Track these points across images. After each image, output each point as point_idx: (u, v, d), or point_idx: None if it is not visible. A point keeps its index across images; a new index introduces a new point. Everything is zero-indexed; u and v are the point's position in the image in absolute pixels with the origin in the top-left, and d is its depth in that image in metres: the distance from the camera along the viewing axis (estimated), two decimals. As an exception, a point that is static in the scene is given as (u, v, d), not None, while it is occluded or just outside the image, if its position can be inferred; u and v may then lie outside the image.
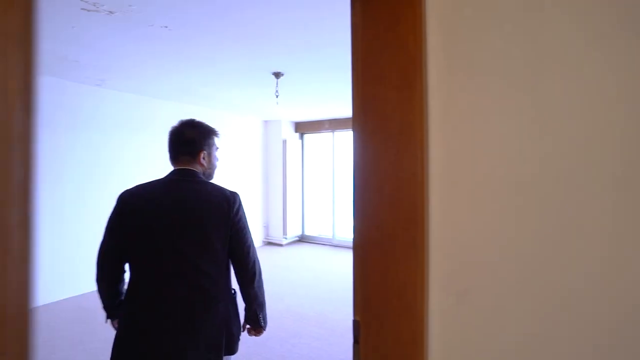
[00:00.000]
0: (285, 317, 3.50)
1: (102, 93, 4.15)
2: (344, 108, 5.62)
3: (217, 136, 1.37)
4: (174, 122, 1.37)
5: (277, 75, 3.49)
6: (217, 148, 1.38)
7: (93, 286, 1.33)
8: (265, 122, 6.82)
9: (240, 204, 1.29)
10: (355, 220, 0.68)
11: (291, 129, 6.92)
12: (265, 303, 1.38)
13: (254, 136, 6.57)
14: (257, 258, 1.33)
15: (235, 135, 6.11)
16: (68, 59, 3.08)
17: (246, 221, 1.32)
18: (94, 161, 4.11)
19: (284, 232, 6.70)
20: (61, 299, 3.82)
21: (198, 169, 1.29)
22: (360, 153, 0.68)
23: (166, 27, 2.38)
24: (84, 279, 3.77)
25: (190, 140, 1.29)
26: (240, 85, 4.03)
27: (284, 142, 6.66)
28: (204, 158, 1.31)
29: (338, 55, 2.99)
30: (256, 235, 6.62)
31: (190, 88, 4.14)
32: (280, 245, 6.66)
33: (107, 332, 1.41)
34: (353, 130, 0.69)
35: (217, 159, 1.39)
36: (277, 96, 3.85)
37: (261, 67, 3.33)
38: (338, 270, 5.02)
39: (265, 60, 3.16)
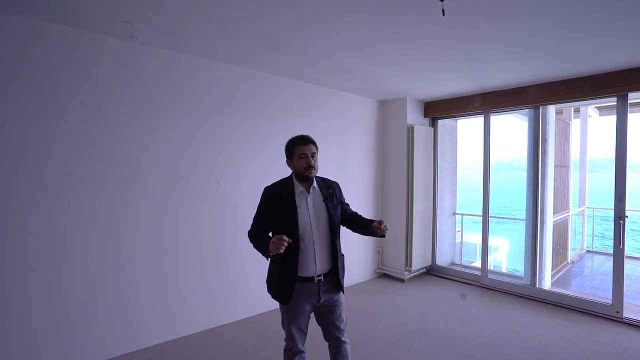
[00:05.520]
0: None
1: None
2: (515, 70, 3.30)
3: (289, 146, 1.93)
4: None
5: None
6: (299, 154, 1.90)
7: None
8: (382, 103, 4.82)
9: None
10: None
11: (418, 111, 4.79)
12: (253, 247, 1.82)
13: (364, 123, 4.61)
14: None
15: (339, 120, 4.25)
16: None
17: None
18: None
19: (408, 262, 4.58)
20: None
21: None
22: None
23: None
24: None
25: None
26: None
27: (409, 130, 4.57)
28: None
29: None
30: (367, 263, 4.65)
31: (269, 33, 2.36)
32: (402, 280, 4.56)
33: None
34: None
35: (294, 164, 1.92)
36: (443, 11, 1.82)
37: None
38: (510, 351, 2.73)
39: None
